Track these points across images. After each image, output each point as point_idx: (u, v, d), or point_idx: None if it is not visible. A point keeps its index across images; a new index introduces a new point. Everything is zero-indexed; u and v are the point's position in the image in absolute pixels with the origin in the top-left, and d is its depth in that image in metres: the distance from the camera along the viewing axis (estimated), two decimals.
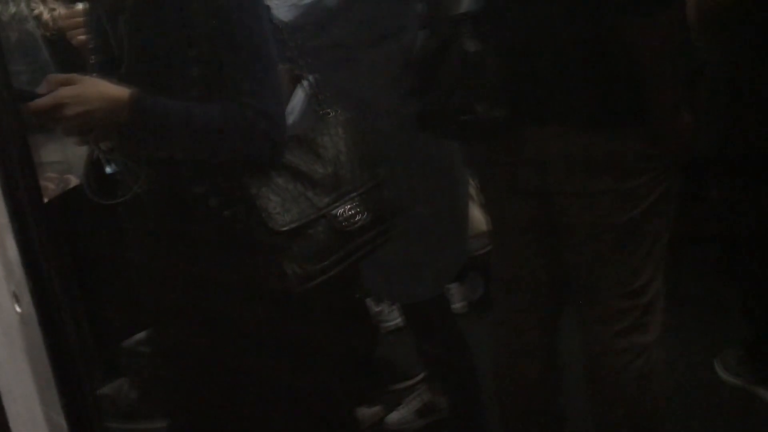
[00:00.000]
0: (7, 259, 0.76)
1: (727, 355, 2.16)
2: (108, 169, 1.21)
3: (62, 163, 1.70)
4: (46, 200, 1.67)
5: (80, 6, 1.44)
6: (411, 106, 1.50)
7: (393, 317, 2.62)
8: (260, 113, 1.20)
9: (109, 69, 1.26)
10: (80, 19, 1.41)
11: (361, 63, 1.68)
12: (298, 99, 1.56)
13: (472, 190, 1.94)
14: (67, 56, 1.60)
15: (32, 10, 1.66)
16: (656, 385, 1.50)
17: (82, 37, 1.40)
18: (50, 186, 1.67)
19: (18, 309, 0.77)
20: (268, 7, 1.34)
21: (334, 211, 1.30)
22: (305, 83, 1.41)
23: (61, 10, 1.67)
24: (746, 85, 1.79)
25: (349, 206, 1.32)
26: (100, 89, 1.16)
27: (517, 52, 1.35)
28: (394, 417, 2.18)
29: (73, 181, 1.72)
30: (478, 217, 2.04)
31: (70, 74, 1.17)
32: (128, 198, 1.27)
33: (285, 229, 1.23)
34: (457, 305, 2.63)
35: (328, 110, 1.39)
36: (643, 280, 1.42)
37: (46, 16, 1.68)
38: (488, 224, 1.72)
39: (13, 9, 1.57)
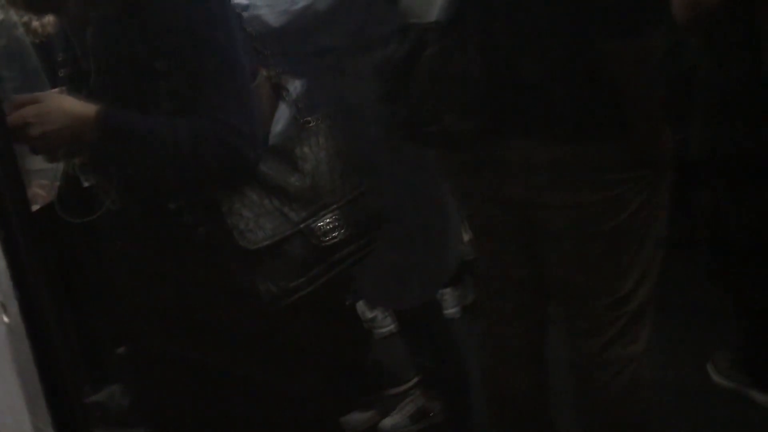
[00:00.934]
0: None
1: (719, 358, 2.15)
2: (85, 183, 1.20)
3: (53, 170, 1.69)
4: (36, 208, 1.67)
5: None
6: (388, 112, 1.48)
7: (387, 323, 2.62)
8: (230, 129, 1.17)
9: (78, 82, 1.24)
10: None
11: (350, 69, 1.68)
12: (283, 107, 1.56)
13: None
14: (56, 63, 1.60)
15: (21, 16, 1.65)
16: (646, 396, 1.49)
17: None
18: (41, 193, 1.66)
19: (5, 319, 0.76)
20: (239, 17, 1.32)
21: (311, 226, 1.26)
22: (285, 92, 1.39)
23: (50, 17, 1.67)
24: (736, 85, 1.78)
25: (328, 220, 1.28)
26: (65, 107, 1.15)
27: (490, 64, 1.32)
28: (387, 422, 2.18)
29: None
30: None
31: (34, 93, 1.16)
32: (102, 214, 1.25)
33: (257, 246, 1.20)
34: (451, 310, 2.63)
35: (309, 119, 1.35)
36: (628, 288, 1.40)
37: (35, 23, 1.68)
38: (469, 234, 1.70)
39: (1, 16, 1.56)
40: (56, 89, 1.33)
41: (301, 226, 1.25)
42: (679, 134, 1.44)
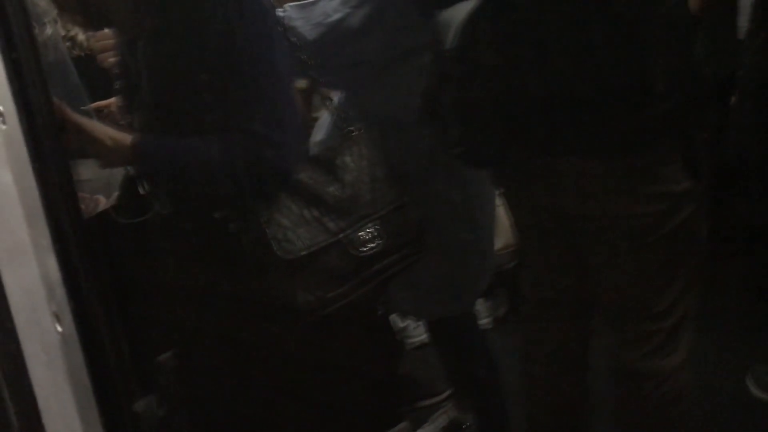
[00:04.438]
0: (49, 280, 0.77)
1: (759, 371, 2.12)
2: (141, 190, 1.24)
3: (93, 182, 1.72)
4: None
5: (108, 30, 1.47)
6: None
7: (418, 333, 2.61)
8: (266, 141, 1.19)
9: (130, 94, 1.28)
10: (110, 42, 1.44)
11: (385, 80, 1.69)
12: (325, 116, 1.57)
13: (499, 203, 1.93)
14: (95, 78, 1.63)
15: (68, 31, 1.69)
16: (686, 408, 1.48)
17: (112, 60, 1.42)
18: (80, 206, 1.68)
19: (59, 329, 0.78)
20: (284, 28, 1.33)
21: (350, 236, 1.26)
22: (328, 102, 1.40)
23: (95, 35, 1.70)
24: None
25: (367, 230, 1.28)
26: (102, 135, 1.18)
27: (539, 83, 1.31)
28: None
29: (103, 201, 1.74)
30: (503, 232, 2.03)
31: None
32: (149, 218, 1.28)
33: (294, 257, 1.21)
34: (483, 321, 2.62)
35: (352, 128, 1.36)
36: (667, 303, 1.39)
37: (81, 37, 1.71)
38: (516, 241, 1.71)
39: (49, 31, 1.60)
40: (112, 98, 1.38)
41: (340, 236, 1.26)
42: (719, 143, 1.42)
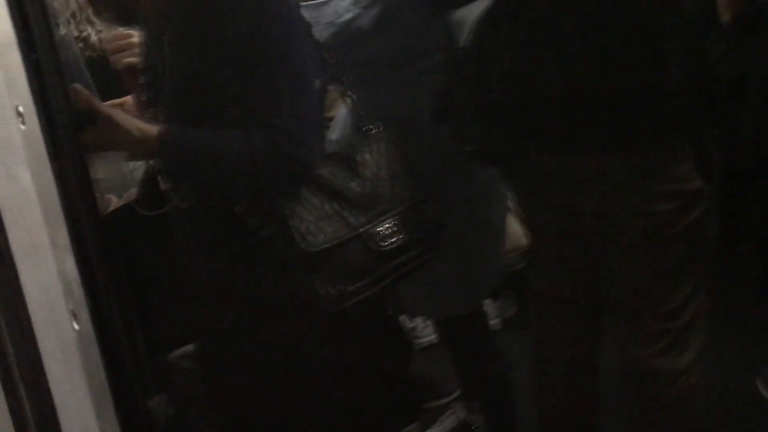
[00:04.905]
0: (66, 279, 0.78)
1: None
2: (162, 184, 1.25)
3: (105, 181, 1.73)
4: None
5: (122, 30, 1.48)
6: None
7: (426, 333, 2.61)
8: (287, 135, 1.21)
9: (155, 89, 1.29)
10: (123, 42, 1.45)
11: (398, 79, 1.69)
12: (341, 115, 1.57)
13: (511, 205, 1.93)
14: (107, 78, 1.64)
15: (81, 31, 1.70)
16: (695, 409, 1.48)
17: (128, 60, 1.43)
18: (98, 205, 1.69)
19: (76, 326, 0.79)
20: (308, 25, 1.35)
21: (370, 231, 1.28)
22: (348, 100, 1.42)
23: (107, 32, 1.72)
24: None
25: (387, 225, 1.30)
26: (128, 125, 1.20)
27: (531, 85, 1.33)
28: None
29: (114, 201, 1.75)
30: (513, 232, 2.03)
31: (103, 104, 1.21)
32: (168, 210, 1.29)
33: (317, 249, 1.23)
34: (492, 322, 2.62)
35: (371, 126, 1.38)
36: (678, 302, 1.40)
37: (93, 38, 1.73)
38: (528, 239, 1.71)
39: (63, 31, 1.62)
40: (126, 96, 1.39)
41: (361, 230, 1.28)
42: (731, 142, 1.42)
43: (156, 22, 1.29)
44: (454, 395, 2.26)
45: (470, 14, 1.40)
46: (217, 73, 1.21)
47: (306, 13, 1.64)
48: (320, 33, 1.63)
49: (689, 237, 1.36)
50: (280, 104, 1.21)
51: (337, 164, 1.30)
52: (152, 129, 1.21)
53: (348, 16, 1.63)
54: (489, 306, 2.64)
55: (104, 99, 1.72)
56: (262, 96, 1.21)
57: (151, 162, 1.30)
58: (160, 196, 1.31)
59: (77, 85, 1.20)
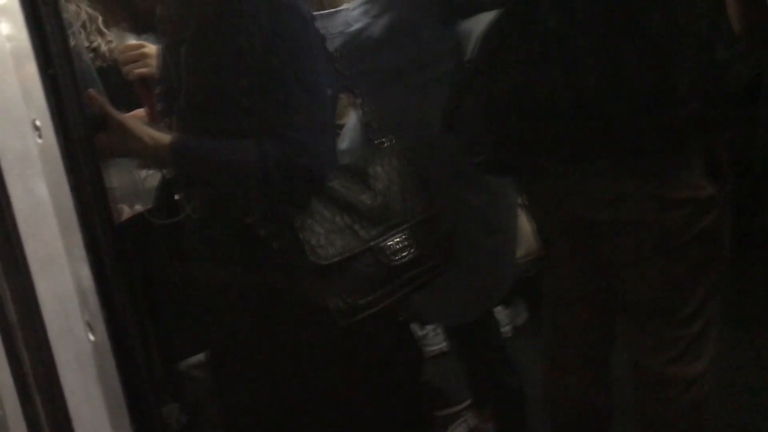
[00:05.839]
0: (82, 289, 0.79)
1: None
2: (176, 194, 1.26)
3: (116, 191, 1.74)
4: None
5: (133, 41, 1.49)
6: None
7: (437, 341, 2.62)
8: (300, 147, 1.20)
9: (171, 98, 1.30)
10: (135, 53, 1.46)
11: (409, 86, 1.70)
12: (351, 123, 1.58)
13: (521, 211, 1.93)
14: (119, 88, 1.65)
15: (91, 42, 1.72)
16: (709, 415, 1.47)
17: (140, 71, 1.44)
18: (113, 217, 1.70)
19: (92, 337, 0.79)
20: (322, 37, 1.35)
21: (381, 244, 1.27)
22: (360, 112, 1.42)
23: (117, 43, 1.73)
24: None
25: (398, 239, 1.29)
26: (141, 133, 1.20)
27: (537, 96, 1.32)
28: None
29: (126, 211, 1.76)
30: (524, 240, 2.03)
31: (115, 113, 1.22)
32: (184, 221, 1.30)
33: (327, 262, 1.22)
34: (503, 329, 2.61)
35: (383, 139, 1.38)
36: (690, 309, 1.39)
37: (103, 48, 1.74)
38: (539, 246, 1.71)
39: (72, 42, 1.63)
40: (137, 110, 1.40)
41: (371, 243, 1.27)
42: (744, 147, 1.42)
43: (172, 32, 1.30)
44: (465, 403, 2.26)
45: (477, 26, 1.40)
46: (231, 84, 1.22)
47: (317, 23, 1.65)
48: (330, 42, 1.64)
49: (701, 244, 1.35)
50: (294, 116, 1.21)
51: (349, 177, 1.30)
52: (165, 137, 1.21)
53: (358, 25, 1.64)
54: (500, 313, 2.64)
55: (115, 108, 1.73)
56: (275, 107, 1.21)
57: (165, 171, 1.30)
58: (174, 206, 1.31)
59: (92, 91, 1.22)
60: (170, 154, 1.21)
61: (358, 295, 1.24)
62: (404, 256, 1.29)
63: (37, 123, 0.74)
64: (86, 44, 1.76)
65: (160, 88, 1.35)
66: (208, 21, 1.24)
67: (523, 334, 2.63)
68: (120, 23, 1.29)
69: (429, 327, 2.62)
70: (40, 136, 0.74)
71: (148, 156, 1.22)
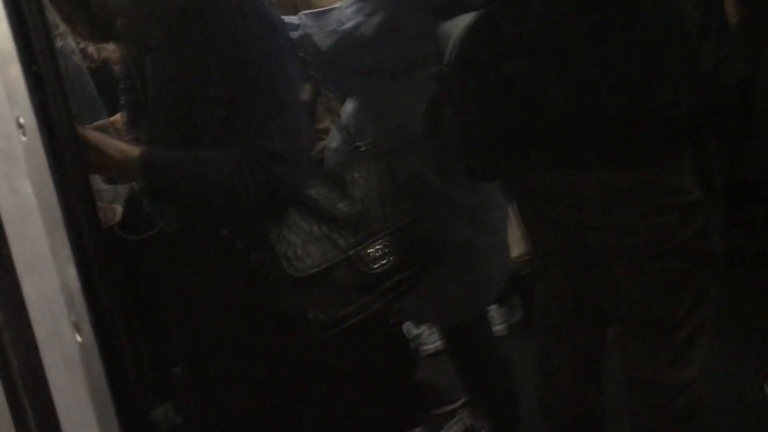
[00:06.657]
0: (68, 290, 0.78)
1: None
2: (146, 207, 1.23)
3: (109, 191, 1.73)
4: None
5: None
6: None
7: (432, 340, 2.61)
8: (273, 155, 1.17)
9: (136, 109, 1.27)
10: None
11: (398, 88, 1.69)
12: (333, 132, 1.56)
13: (512, 212, 1.93)
14: (111, 87, 1.64)
15: (78, 43, 1.70)
16: (701, 420, 1.46)
17: None
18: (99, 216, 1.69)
19: (78, 338, 0.78)
20: (291, 42, 1.32)
21: (360, 252, 1.25)
22: (336, 117, 1.39)
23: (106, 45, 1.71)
24: None
25: (378, 246, 1.26)
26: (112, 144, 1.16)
27: (515, 101, 1.29)
28: None
29: (120, 210, 1.75)
30: (517, 240, 2.02)
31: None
32: (158, 235, 1.26)
33: (304, 274, 1.19)
34: (497, 327, 2.61)
35: (360, 144, 1.34)
36: (681, 315, 1.37)
37: (90, 48, 1.72)
38: (529, 249, 1.70)
39: (60, 43, 1.61)
40: (116, 115, 1.37)
41: (350, 252, 1.24)
42: (736, 152, 1.41)
43: (137, 42, 1.26)
44: (461, 402, 2.26)
45: (456, 28, 1.38)
46: (201, 94, 1.17)
47: (310, 21, 1.64)
48: (323, 41, 1.64)
49: (691, 249, 1.33)
50: (266, 124, 1.17)
51: (327, 184, 1.26)
52: (134, 150, 1.16)
53: (351, 23, 1.63)
54: (495, 312, 2.64)
55: (108, 108, 1.72)
56: (248, 116, 1.17)
57: (134, 185, 1.25)
58: (146, 219, 1.27)
59: None
60: (140, 167, 1.16)
61: (339, 306, 1.21)
62: (384, 264, 1.26)
63: (21, 121, 0.73)
64: (74, 45, 1.74)
65: (125, 99, 1.31)
66: (175, 30, 1.20)
67: (518, 333, 2.62)
68: (76, 28, 1.24)
69: (424, 326, 2.62)
70: (24, 134, 0.73)
71: (117, 170, 1.17)
